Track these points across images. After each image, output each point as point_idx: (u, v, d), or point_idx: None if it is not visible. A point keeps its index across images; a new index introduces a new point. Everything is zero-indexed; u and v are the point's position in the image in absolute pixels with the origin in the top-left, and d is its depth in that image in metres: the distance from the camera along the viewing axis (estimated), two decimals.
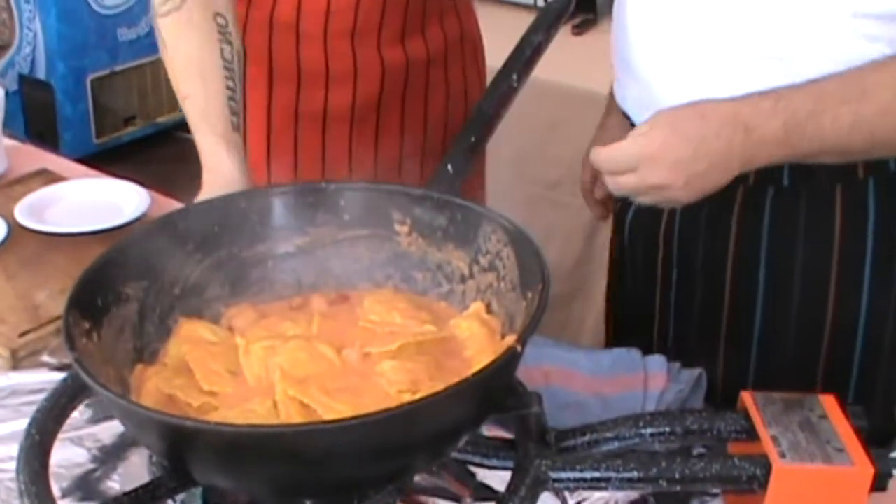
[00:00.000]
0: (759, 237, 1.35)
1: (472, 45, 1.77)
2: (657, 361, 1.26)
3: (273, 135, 1.67)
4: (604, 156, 1.22)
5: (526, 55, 1.23)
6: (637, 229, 1.50)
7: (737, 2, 1.26)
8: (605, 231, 1.78)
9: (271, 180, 1.64)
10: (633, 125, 1.44)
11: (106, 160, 3.90)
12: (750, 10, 1.26)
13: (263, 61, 1.62)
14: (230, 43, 1.33)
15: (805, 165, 1.28)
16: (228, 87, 1.30)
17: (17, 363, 1.37)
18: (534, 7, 3.06)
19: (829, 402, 1.04)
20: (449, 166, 1.18)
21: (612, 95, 1.68)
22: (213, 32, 1.34)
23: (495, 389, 0.98)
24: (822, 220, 1.33)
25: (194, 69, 1.32)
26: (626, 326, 1.58)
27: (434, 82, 1.71)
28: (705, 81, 1.30)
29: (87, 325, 1.00)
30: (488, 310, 1.10)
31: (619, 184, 1.22)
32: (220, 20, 1.34)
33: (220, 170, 1.25)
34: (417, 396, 0.95)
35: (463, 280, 1.14)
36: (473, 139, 1.20)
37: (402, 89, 1.67)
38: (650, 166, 1.19)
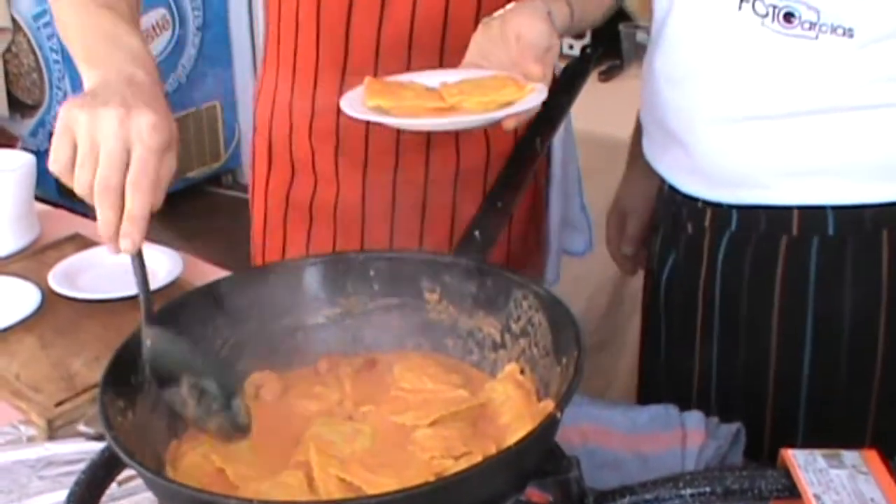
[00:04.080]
0: (806, 288, 1.34)
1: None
2: (695, 418, 1.24)
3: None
4: None
5: (548, 119, 1.24)
6: (674, 286, 1.49)
7: (778, 61, 1.27)
8: (635, 281, 1.77)
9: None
10: (669, 187, 1.44)
11: None
12: (794, 67, 1.26)
13: None
14: None
15: (850, 213, 1.29)
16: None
17: (53, 433, 1.37)
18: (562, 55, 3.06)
19: (871, 458, 1.03)
20: (476, 233, 1.18)
21: (634, 145, 1.68)
22: None
23: (535, 456, 0.97)
24: (869, 268, 1.32)
25: None
26: (661, 382, 1.56)
27: None
28: (750, 143, 1.31)
29: (121, 404, 1.01)
30: (521, 374, 1.10)
31: None
32: None
33: (153, 70, 1.17)
34: (458, 465, 0.96)
35: (495, 348, 1.13)
36: (500, 205, 1.19)
37: None
38: None
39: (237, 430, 1.07)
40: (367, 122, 1.51)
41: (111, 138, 1.05)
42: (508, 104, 1.19)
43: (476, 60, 1.28)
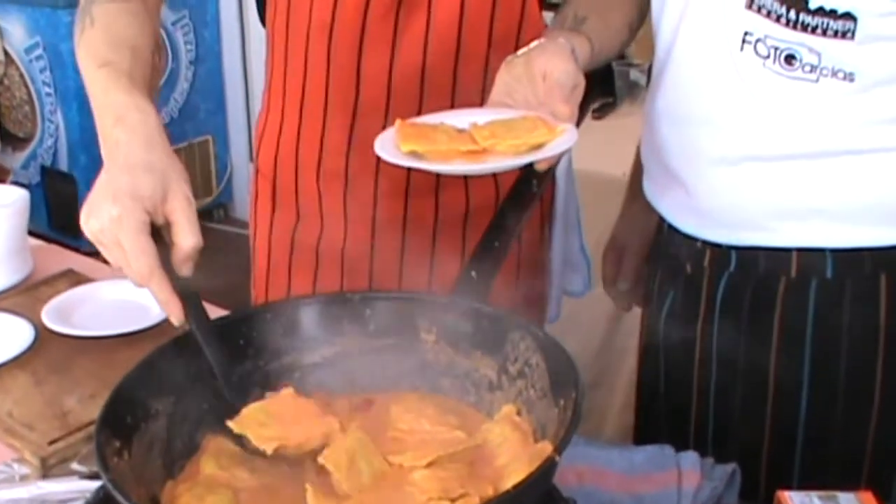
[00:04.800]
0: (803, 330, 1.35)
1: None
2: (690, 458, 1.24)
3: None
4: None
5: None
6: (673, 325, 1.49)
7: (779, 102, 1.28)
8: (628, 319, 1.77)
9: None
10: (669, 226, 1.45)
11: None
12: (794, 109, 1.27)
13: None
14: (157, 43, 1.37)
15: (849, 256, 1.30)
16: (153, 69, 1.30)
17: (46, 471, 1.36)
18: None
19: (867, 500, 1.03)
20: (473, 273, 1.17)
21: (633, 181, 1.69)
22: (150, 25, 1.36)
23: (532, 499, 0.97)
24: (867, 311, 1.33)
25: (126, 44, 1.30)
26: (659, 420, 1.56)
27: None
28: (750, 184, 1.32)
29: (117, 444, 1.01)
30: (518, 415, 1.09)
31: None
32: (156, 22, 1.38)
33: (135, 121, 1.20)
34: None
35: (492, 389, 1.13)
36: (497, 244, 1.20)
37: None
38: None
39: None
40: (378, 163, 1.52)
41: (109, 251, 1.12)
42: (540, 146, 1.20)
43: (502, 99, 1.28)
